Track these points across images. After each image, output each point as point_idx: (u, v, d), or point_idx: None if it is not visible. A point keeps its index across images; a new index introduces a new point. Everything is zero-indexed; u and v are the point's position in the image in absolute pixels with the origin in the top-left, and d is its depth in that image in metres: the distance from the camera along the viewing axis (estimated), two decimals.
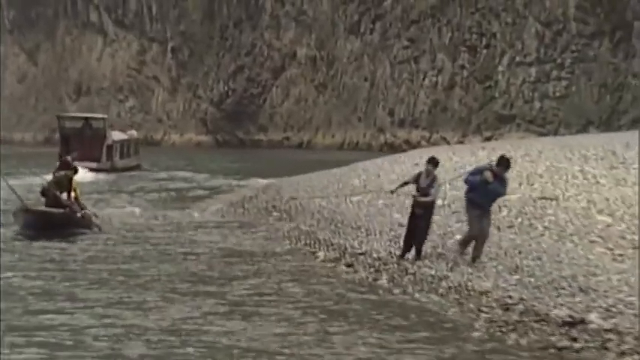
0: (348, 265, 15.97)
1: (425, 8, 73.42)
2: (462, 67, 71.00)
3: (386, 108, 75.02)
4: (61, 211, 21.31)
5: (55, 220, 21.13)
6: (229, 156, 68.48)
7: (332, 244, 17.86)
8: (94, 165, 44.97)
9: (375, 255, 16.28)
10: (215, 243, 19.47)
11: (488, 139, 68.38)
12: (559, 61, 66.93)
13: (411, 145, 72.66)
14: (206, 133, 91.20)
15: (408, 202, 17.94)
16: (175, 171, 47.17)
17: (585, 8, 65.98)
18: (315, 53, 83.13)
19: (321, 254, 17.18)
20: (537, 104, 67.49)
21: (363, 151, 75.74)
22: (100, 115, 56.16)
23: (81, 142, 46.25)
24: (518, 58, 68.41)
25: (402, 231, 17.21)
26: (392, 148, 73.85)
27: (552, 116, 66.90)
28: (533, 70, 67.83)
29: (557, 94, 66.77)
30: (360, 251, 16.81)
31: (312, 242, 18.48)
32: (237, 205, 26.16)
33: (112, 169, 46.55)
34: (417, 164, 32.19)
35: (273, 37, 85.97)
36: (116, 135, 50.18)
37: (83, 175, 43.35)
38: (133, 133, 55.29)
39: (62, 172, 22.38)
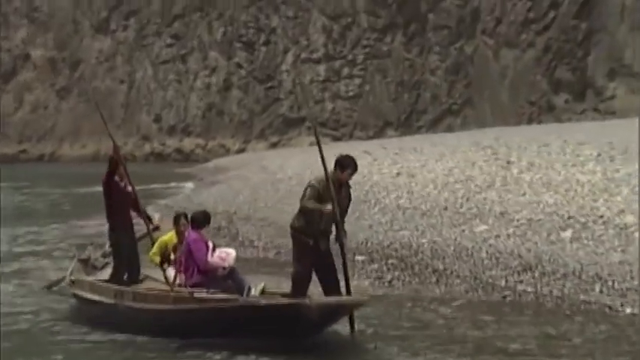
0: None
1: (190, 1, 66.38)
2: (239, 65, 65.07)
3: (151, 113, 67.62)
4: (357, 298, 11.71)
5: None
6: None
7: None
8: None
9: None
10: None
11: (274, 145, 62.67)
12: (350, 57, 62.49)
13: (183, 155, 65.72)
14: None
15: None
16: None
17: (376, 0, 61.61)
18: (53, 54, 73.79)
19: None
20: (329, 105, 62.54)
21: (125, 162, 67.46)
22: None
23: None
24: (304, 55, 63.36)
25: None
26: (161, 158, 66.52)
27: (346, 118, 62.44)
28: (321, 68, 63.05)
29: (350, 93, 62.31)
30: None
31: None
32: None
33: None
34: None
35: (1, 38, 75.72)
36: None
37: None
38: None
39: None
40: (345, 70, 63.26)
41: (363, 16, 63.14)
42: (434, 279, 14.78)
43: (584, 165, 23.44)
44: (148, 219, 13.83)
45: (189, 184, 40.95)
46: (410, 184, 23.42)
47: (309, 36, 64.14)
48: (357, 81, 62.97)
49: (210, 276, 11.94)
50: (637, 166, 21.17)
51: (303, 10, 64.40)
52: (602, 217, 15.81)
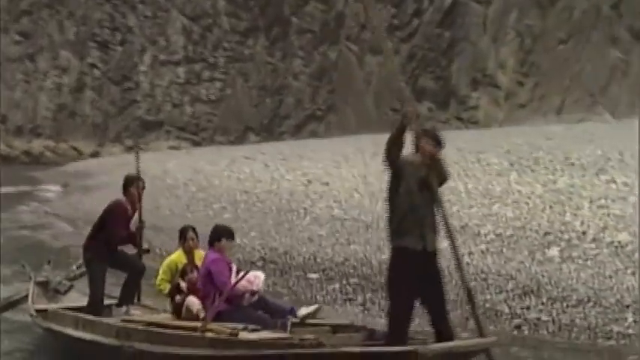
0: None
1: None
2: (93, 66, 62.31)
3: None
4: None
5: None
6: None
7: None
8: None
9: None
10: None
11: (130, 148, 60.16)
12: (211, 60, 60.77)
13: (32, 157, 62.58)
14: None
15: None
16: None
17: (237, 2, 60.10)
18: None
19: None
20: (188, 109, 60.60)
21: None
22: None
23: None
24: (162, 57, 61.34)
25: None
26: (7, 161, 63.12)
27: (206, 122, 60.64)
28: (181, 70, 61.13)
29: (211, 97, 60.55)
30: None
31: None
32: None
33: None
34: None
35: None
36: None
37: None
38: None
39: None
40: (206, 73, 61.38)
41: (225, 18, 61.42)
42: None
43: (508, 175, 22.46)
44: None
45: (54, 188, 38.47)
46: (331, 192, 21.95)
47: (167, 37, 61.98)
48: (219, 84, 61.18)
49: (235, 304, 9.74)
50: (575, 179, 20.32)
51: (162, 9, 62.24)
52: (584, 233, 14.64)
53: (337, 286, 14.59)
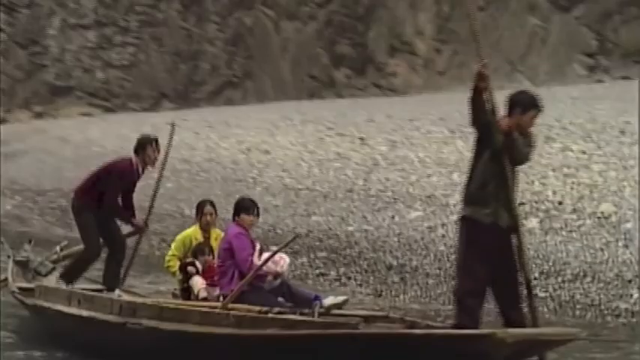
0: None
1: None
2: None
3: None
4: None
5: None
6: None
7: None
8: None
9: None
10: None
11: (39, 115, 58.57)
12: (123, 24, 59.02)
13: None
14: None
15: None
16: None
17: None
18: None
19: None
20: (100, 74, 58.97)
21: None
22: None
23: None
24: (72, 20, 59.51)
25: None
26: None
27: (118, 88, 58.86)
28: (91, 34, 59.39)
29: (123, 62, 58.89)
30: None
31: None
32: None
33: None
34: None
35: None
36: None
37: None
38: None
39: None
40: (118, 38, 59.73)
41: None
42: (396, 278, 12.66)
43: (454, 143, 22.15)
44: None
45: None
46: (275, 161, 21.29)
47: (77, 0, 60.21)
48: (131, 49, 59.60)
49: (254, 285, 8.94)
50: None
51: None
52: (561, 203, 14.21)
53: (305, 260, 13.97)
